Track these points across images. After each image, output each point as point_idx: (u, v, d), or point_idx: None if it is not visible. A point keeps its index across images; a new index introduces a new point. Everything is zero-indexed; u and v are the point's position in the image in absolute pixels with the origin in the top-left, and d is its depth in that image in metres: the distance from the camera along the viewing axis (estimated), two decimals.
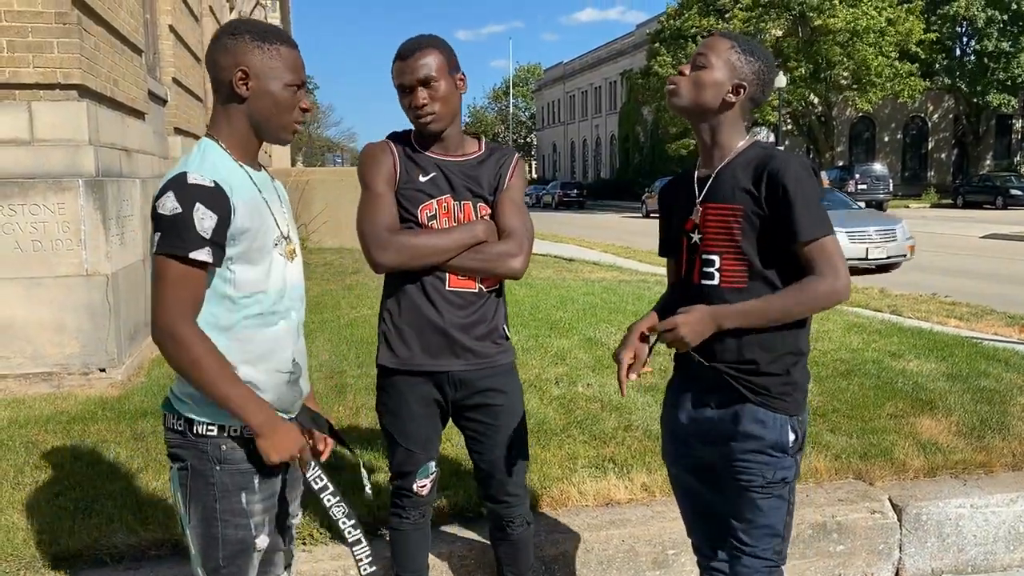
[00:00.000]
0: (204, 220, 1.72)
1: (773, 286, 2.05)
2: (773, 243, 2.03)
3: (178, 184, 1.74)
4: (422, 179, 2.38)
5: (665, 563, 3.13)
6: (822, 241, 1.99)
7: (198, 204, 1.72)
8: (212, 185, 1.74)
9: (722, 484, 2.20)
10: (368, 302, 8.02)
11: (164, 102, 8.63)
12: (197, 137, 10.18)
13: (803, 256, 2.00)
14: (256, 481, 1.87)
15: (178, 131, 8.95)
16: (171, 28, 8.91)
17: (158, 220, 1.74)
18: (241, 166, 1.86)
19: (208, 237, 1.73)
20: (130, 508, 3.16)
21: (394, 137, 2.48)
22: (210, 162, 1.80)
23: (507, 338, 2.54)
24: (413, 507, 2.57)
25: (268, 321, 1.86)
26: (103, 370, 5.11)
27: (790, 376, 2.12)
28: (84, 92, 5.21)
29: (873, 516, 3.33)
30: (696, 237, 2.14)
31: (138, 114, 6.83)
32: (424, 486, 2.53)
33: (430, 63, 2.31)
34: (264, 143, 1.95)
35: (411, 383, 2.47)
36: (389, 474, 2.63)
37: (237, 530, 1.85)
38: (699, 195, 2.15)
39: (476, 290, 2.41)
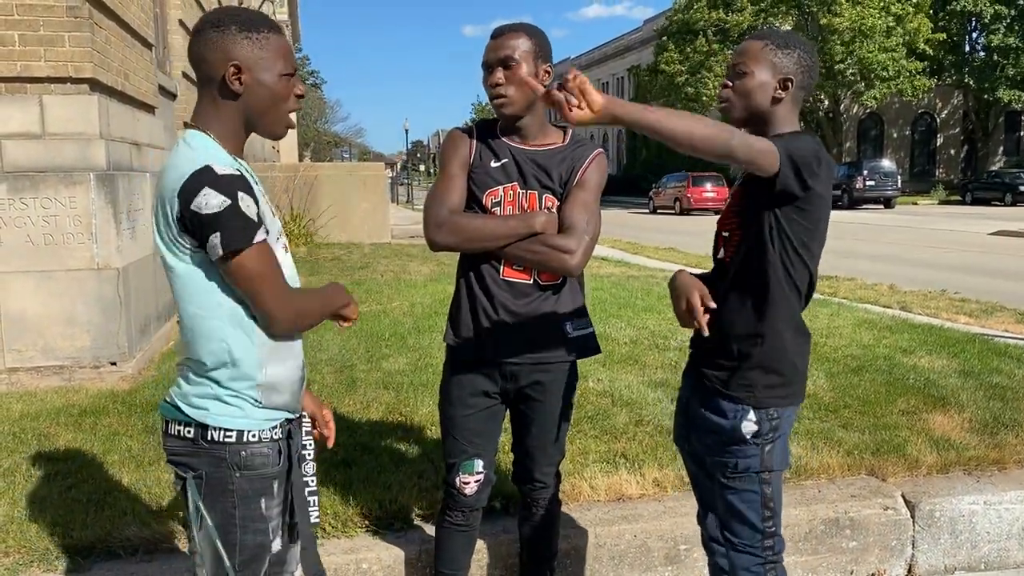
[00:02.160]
0: (250, 207, 1.66)
1: (751, 268, 2.06)
2: (768, 210, 2.03)
3: (210, 178, 1.63)
4: (493, 164, 2.38)
5: (677, 558, 3.12)
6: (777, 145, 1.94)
7: (239, 192, 1.64)
8: (239, 173, 1.68)
9: (709, 473, 2.27)
10: (376, 297, 8.03)
11: (174, 96, 8.64)
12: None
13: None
14: (275, 486, 1.82)
15: (187, 125, 8.96)
16: (181, 22, 8.92)
17: (210, 220, 1.62)
18: (235, 159, 1.78)
19: (256, 220, 1.67)
20: (142, 501, 3.17)
21: (481, 124, 2.48)
22: (218, 153, 1.72)
23: (569, 336, 2.48)
24: (456, 507, 2.53)
25: None
26: (114, 363, 5.13)
27: (752, 368, 2.12)
28: (95, 86, 5.21)
29: (886, 512, 3.32)
30: (723, 214, 2.22)
31: (148, 108, 6.84)
32: (467, 483, 2.48)
33: (515, 46, 2.29)
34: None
35: (465, 368, 2.45)
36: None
37: (256, 535, 1.80)
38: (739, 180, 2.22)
39: (531, 282, 2.40)
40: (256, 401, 1.78)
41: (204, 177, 1.63)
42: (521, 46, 2.30)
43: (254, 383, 1.77)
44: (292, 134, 27.80)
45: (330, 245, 13.06)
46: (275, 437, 1.80)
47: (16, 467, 3.56)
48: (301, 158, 37.00)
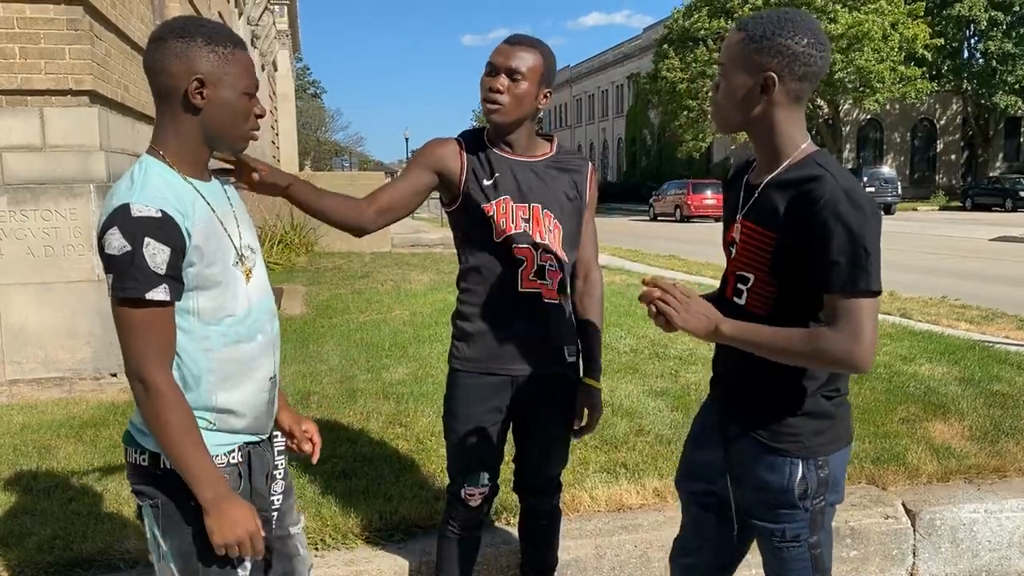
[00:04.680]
0: (156, 256, 1.58)
1: (796, 321, 1.77)
2: (806, 277, 1.74)
3: (122, 219, 1.58)
4: (486, 182, 2.34)
5: None
6: (851, 301, 1.66)
7: (147, 239, 1.57)
8: (160, 215, 1.59)
9: (740, 525, 2.05)
10: (377, 306, 8.03)
11: None
12: None
13: (827, 306, 1.71)
14: None
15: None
16: None
17: (108, 260, 1.60)
18: (188, 181, 1.70)
19: (163, 273, 1.59)
20: None
21: (469, 136, 2.42)
22: (153, 186, 1.63)
23: (578, 352, 2.49)
24: (460, 519, 2.51)
25: (242, 337, 1.76)
26: (114, 375, 5.13)
27: (798, 415, 1.84)
28: (95, 98, 5.23)
29: (887, 521, 3.32)
30: (733, 251, 1.93)
31: (149, 120, 6.85)
32: (472, 495, 2.46)
33: (527, 60, 2.26)
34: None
35: (474, 383, 2.42)
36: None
37: (220, 563, 1.73)
38: (741, 208, 1.90)
39: (541, 292, 2.38)
40: (210, 424, 1.73)
41: (117, 216, 1.60)
42: (532, 63, 2.27)
43: (206, 406, 1.71)
44: (293, 143, 27.88)
45: (331, 254, 13.07)
46: (232, 461, 1.75)
47: (16, 479, 3.56)
48: (301, 167, 37.11)
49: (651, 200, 35.42)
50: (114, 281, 1.60)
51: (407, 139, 71.08)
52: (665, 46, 39.72)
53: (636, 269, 12.37)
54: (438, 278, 10.28)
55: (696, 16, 37.74)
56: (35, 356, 5.04)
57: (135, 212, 1.59)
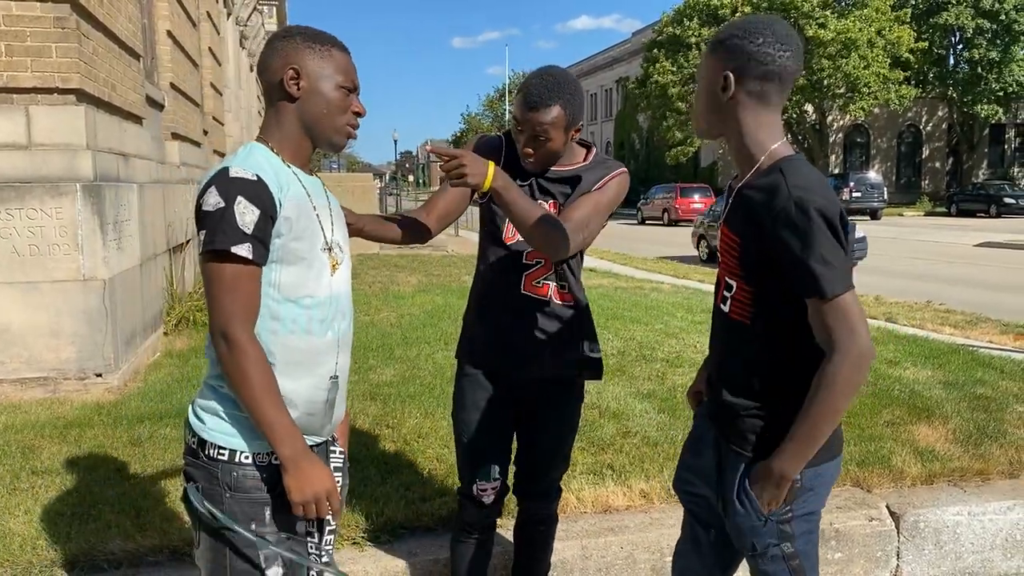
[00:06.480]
0: (245, 214, 1.65)
1: (777, 329, 1.78)
2: (780, 283, 1.74)
3: (220, 179, 1.67)
4: (519, 184, 2.31)
5: (663, 570, 3.13)
6: (828, 305, 1.65)
7: (239, 197, 1.65)
8: (254, 179, 1.67)
9: (725, 531, 2.01)
10: (364, 308, 8.01)
11: (162, 107, 8.61)
12: (195, 142, 10.13)
13: (811, 313, 1.70)
14: (267, 512, 1.74)
15: (175, 136, 8.92)
16: (169, 33, 8.89)
17: (204, 217, 1.66)
18: (289, 166, 1.79)
19: (250, 232, 1.65)
20: (127, 514, 3.15)
21: (509, 138, 2.42)
22: (254, 159, 1.73)
23: (581, 356, 2.49)
24: (473, 520, 2.51)
25: (313, 329, 1.77)
26: (99, 375, 5.10)
27: (773, 422, 1.80)
28: (82, 96, 5.20)
29: (871, 523, 3.34)
30: (720, 257, 1.91)
31: (136, 119, 6.82)
32: (485, 491, 2.47)
33: (551, 119, 2.23)
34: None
35: (481, 377, 2.46)
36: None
37: (244, 561, 1.73)
38: (724, 212, 1.89)
39: (546, 298, 2.40)
40: None
41: (216, 177, 1.69)
42: (555, 120, 2.23)
43: None
44: None
45: None
46: (274, 461, 1.73)
47: (0, 480, 3.53)
48: None
49: (639, 204, 35.51)
50: (205, 237, 1.66)
51: (396, 141, 71.27)
52: (655, 51, 39.88)
53: (624, 272, 12.40)
54: (426, 280, 10.27)
55: (688, 24, 37.91)
56: (19, 356, 5.00)
57: (232, 173, 1.68)
